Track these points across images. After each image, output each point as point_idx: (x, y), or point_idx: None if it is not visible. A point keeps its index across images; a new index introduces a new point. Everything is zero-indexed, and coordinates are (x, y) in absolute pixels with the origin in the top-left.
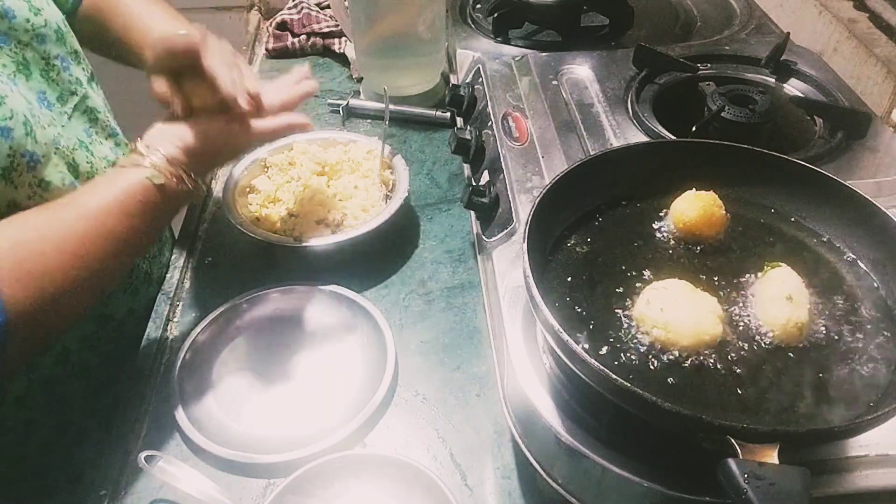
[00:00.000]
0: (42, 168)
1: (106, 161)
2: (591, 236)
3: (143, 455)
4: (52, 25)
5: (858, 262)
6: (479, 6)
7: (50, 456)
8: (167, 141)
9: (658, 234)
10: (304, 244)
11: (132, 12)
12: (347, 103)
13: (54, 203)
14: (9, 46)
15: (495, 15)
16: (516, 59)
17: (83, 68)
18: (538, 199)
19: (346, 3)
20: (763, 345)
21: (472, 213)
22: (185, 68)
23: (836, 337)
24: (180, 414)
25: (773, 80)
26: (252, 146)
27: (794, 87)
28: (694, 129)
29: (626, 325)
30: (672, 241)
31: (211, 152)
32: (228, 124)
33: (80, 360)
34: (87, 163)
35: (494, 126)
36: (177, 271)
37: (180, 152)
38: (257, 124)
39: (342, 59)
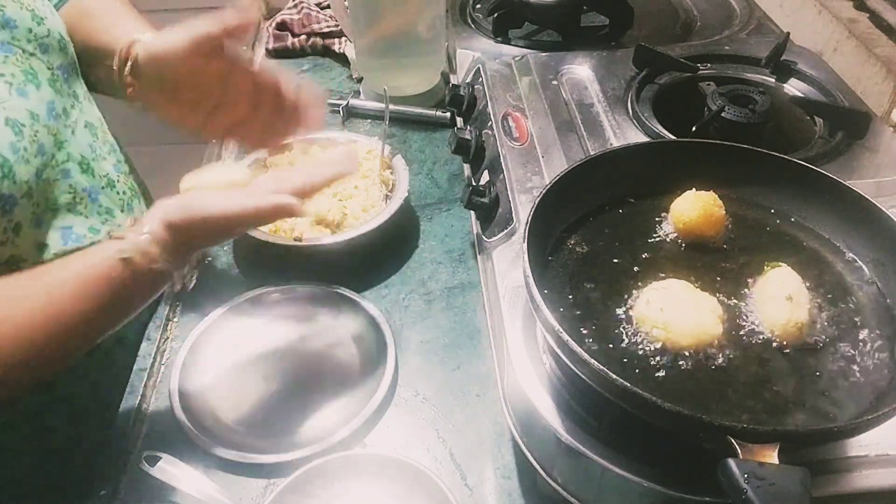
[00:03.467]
0: (18, 211)
1: (106, 179)
2: (591, 236)
3: (143, 455)
4: (55, 35)
5: (858, 262)
6: (479, 6)
7: (45, 465)
8: (156, 217)
9: (658, 234)
10: (304, 244)
11: (99, 20)
12: (347, 103)
13: (13, 276)
14: (14, 56)
15: (495, 15)
16: (516, 59)
17: (80, 82)
18: (538, 199)
19: (346, 3)
20: (763, 345)
21: (472, 213)
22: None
23: (836, 337)
24: (180, 414)
25: (773, 80)
26: (250, 226)
27: (794, 87)
28: (694, 129)
29: (626, 325)
30: (672, 241)
31: (203, 232)
32: (232, 203)
33: (66, 393)
34: (91, 178)
35: (494, 126)
36: None
37: (165, 229)
38: (261, 203)
39: (342, 59)
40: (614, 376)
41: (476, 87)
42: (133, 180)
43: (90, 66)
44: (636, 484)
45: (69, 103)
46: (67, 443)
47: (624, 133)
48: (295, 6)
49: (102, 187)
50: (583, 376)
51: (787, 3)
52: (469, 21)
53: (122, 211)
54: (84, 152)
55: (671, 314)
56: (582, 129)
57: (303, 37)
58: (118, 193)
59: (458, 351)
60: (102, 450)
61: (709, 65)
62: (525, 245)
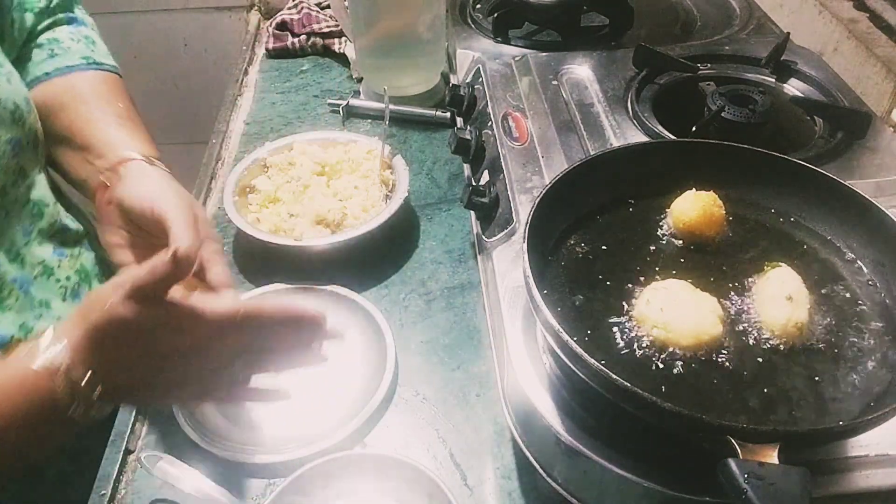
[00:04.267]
0: None
1: (42, 266)
2: (591, 236)
3: (143, 455)
4: (7, 105)
5: (858, 262)
6: (479, 6)
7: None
8: (78, 325)
9: (658, 234)
10: (304, 244)
11: (83, 115)
12: (347, 103)
13: None
14: None
15: (495, 15)
16: (516, 59)
17: (39, 157)
18: (538, 199)
19: (346, 3)
20: (763, 345)
21: (472, 213)
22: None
23: (836, 337)
24: (180, 414)
25: (773, 80)
26: (207, 382)
27: (794, 87)
28: (694, 129)
29: (626, 325)
30: (672, 241)
31: (135, 357)
32: (179, 322)
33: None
34: (20, 268)
35: (494, 126)
36: None
37: (87, 345)
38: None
39: (342, 59)
40: (614, 376)
41: (476, 87)
42: (87, 261)
43: (63, 150)
44: (636, 484)
45: (11, 181)
46: (68, 443)
47: (624, 133)
48: (295, 6)
49: (35, 277)
50: (583, 376)
51: (787, 3)
52: (469, 21)
53: (63, 300)
54: (15, 238)
55: (671, 314)
56: (582, 129)
57: (303, 37)
58: (58, 281)
59: (458, 351)
60: (102, 450)
61: (709, 65)
62: (525, 245)
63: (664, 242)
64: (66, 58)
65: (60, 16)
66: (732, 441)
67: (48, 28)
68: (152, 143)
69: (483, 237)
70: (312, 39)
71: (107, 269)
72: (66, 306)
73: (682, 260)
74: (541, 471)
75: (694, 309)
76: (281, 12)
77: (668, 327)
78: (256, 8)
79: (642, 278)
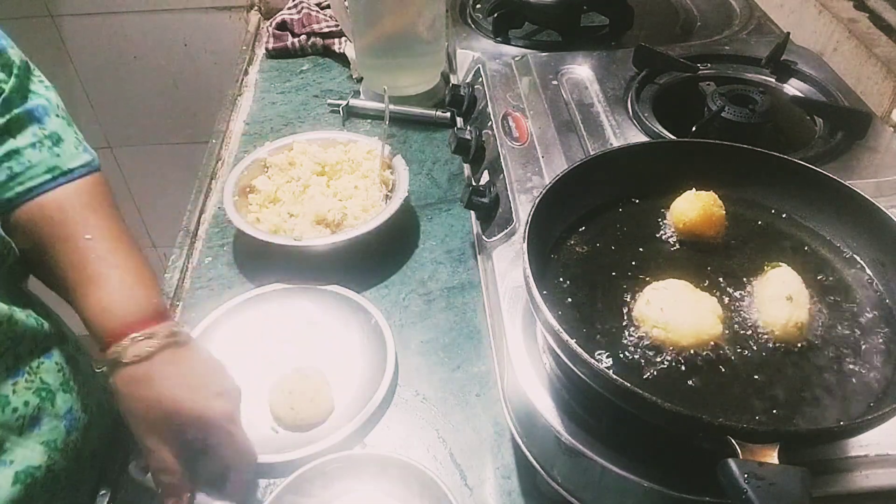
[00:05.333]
0: None
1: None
2: (592, 236)
3: (132, 465)
4: None
5: (858, 262)
6: (479, 6)
7: None
8: None
9: (658, 234)
10: (304, 244)
11: (84, 252)
12: (347, 103)
13: None
14: None
15: (495, 15)
16: (516, 59)
17: None
18: (538, 199)
19: (346, 3)
20: (763, 345)
21: (472, 213)
22: None
23: (836, 337)
24: None
25: (773, 80)
26: None
27: (794, 87)
28: (694, 129)
29: (626, 325)
30: (672, 241)
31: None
32: None
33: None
34: None
35: (494, 126)
36: (177, 271)
37: None
38: None
39: (342, 59)
40: (614, 376)
41: (476, 87)
42: (49, 372)
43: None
44: (636, 484)
45: None
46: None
47: (624, 133)
48: (295, 6)
49: None
50: (583, 376)
51: (787, 3)
52: (469, 21)
53: (19, 434)
54: None
55: (671, 314)
56: (582, 129)
57: (303, 37)
58: (14, 412)
59: (458, 351)
60: (102, 452)
61: (709, 65)
62: (525, 245)
63: (664, 242)
64: (28, 176)
65: (16, 112)
66: (732, 441)
67: (3, 134)
68: (146, 266)
69: (483, 237)
70: (312, 39)
71: (75, 369)
72: (25, 440)
73: (683, 260)
74: (541, 471)
75: (694, 309)
76: (281, 12)
77: (667, 327)
78: (256, 8)
79: (642, 278)
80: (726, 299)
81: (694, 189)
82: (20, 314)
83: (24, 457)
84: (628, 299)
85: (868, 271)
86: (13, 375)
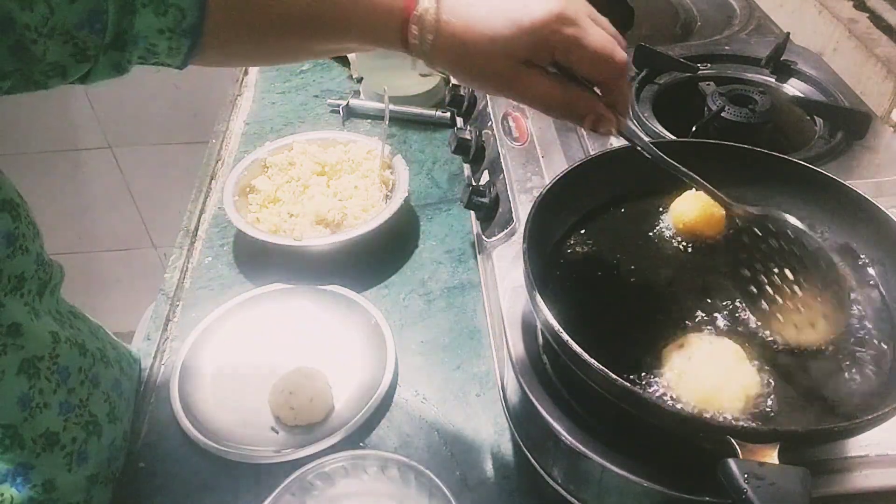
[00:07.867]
0: None
1: None
2: (592, 236)
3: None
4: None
5: (858, 261)
6: None
7: None
8: None
9: (658, 234)
10: (304, 244)
11: None
12: (347, 103)
13: None
14: None
15: None
16: None
17: None
18: (538, 199)
19: None
20: (762, 345)
21: (472, 213)
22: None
23: (836, 336)
24: (180, 414)
25: (773, 80)
26: None
27: (794, 87)
28: (694, 129)
29: (625, 325)
30: (672, 241)
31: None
32: None
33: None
34: None
35: (494, 126)
36: (177, 271)
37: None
38: None
39: (342, 59)
40: (614, 376)
41: None
42: (94, 411)
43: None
44: (636, 484)
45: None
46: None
47: None
48: None
49: None
50: (583, 376)
51: (787, 3)
52: None
53: (69, 471)
54: None
55: (697, 368)
56: (582, 129)
57: None
58: (62, 449)
59: (458, 351)
60: None
61: (709, 65)
62: (525, 245)
63: (664, 242)
64: None
65: None
66: (732, 441)
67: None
68: None
69: (483, 237)
70: None
71: (119, 397)
72: (73, 479)
73: (682, 260)
74: (541, 471)
75: (725, 377)
76: None
77: (682, 378)
78: None
79: (642, 278)
80: (727, 299)
81: (694, 189)
82: (64, 346)
83: (67, 492)
84: (628, 299)
85: (868, 271)
86: (64, 412)
